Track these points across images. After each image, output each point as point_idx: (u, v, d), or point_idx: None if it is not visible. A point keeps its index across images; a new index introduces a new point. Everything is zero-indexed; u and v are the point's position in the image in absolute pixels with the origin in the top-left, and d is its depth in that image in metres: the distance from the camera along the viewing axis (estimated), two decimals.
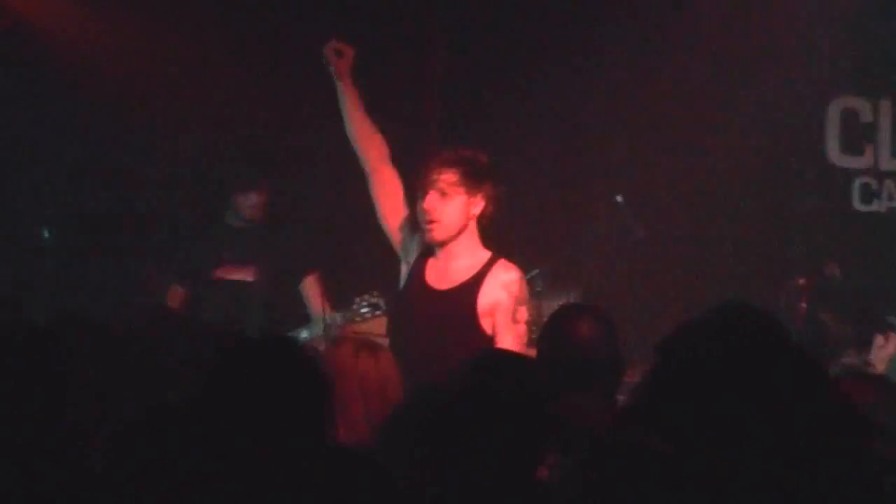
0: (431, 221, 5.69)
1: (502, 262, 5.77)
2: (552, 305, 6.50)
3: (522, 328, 5.72)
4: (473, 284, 5.74)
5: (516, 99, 8.90)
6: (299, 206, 8.31)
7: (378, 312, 6.20)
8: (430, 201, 5.68)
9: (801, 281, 7.68)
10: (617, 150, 8.91)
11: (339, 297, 6.97)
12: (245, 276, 7.31)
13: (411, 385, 4.41)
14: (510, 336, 5.63)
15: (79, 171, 8.18)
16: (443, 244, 5.77)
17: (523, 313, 5.75)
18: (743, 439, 2.71)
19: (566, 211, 8.63)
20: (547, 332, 4.73)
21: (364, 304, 6.28)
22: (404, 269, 6.00)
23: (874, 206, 8.60)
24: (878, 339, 6.47)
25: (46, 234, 7.30)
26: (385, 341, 5.66)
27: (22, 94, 8.08)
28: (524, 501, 3.02)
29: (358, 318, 6.20)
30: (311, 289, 7.36)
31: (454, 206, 5.71)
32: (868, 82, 8.56)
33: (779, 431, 2.68)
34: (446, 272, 5.82)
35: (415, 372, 4.72)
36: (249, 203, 7.41)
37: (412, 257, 5.94)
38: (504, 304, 5.68)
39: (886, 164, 8.59)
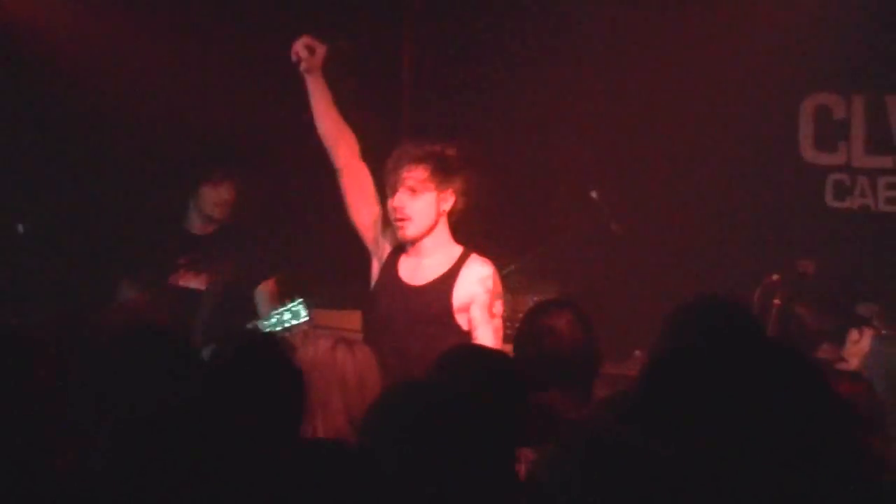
0: (402, 219, 5.72)
1: (475, 256, 5.81)
2: (527, 302, 6.57)
3: (499, 322, 5.74)
4: (448, 279, 5.77)
5: (489, 94, 8.91)
6: (262, 208, 8.20)
7: (302, 318, 6.11)
8: (400, 199, 5.71)
9: (775, 277, 7.71)
10: (592, 146, 8.87)
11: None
12: (198, 283, 7.20)
13: (385, 381, 4.38)
14: (488, 330, 5.66)
15: (51, 167, 8.09)
16: (414, 240, 5.79)
17: (500, 307, 5.78)
18: (732, 431, 2.68)
19: (541, 207, 8.67)
20: (524, 328, 4.80)
21: (286, 311, 6.17)
22: (376, 265, 6.01)
23: (847, 203, 8.60)
24: (853, 334, 6.50)
25: (21, 230, 7.24)
26: (357, 336, 5.66)
27: None
28: (501, 498, 2.99)
29: (280, 327, 6.12)
30: (262, 295, 7.22)
31: (424, 203, 5.74)
32: (841, 78, 8.56)
33: (764, 422, 2.66)
34: (419, 268, 5.85)
35: (389, 367, 4.72)
36: (219, 198, 7.25)
37: (384, 253, 5.95)
38: (480, 298, 5.71)
39: (859, 160, 8.58)
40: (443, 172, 5.74)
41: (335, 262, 8.23)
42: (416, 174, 5.70)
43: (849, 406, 2.94)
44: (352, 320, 6.66)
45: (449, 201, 5.79)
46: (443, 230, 5.83)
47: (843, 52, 8.40)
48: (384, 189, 5.83)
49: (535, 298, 6.49)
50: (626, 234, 7.70)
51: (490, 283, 5.74)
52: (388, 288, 5.91)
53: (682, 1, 8.59)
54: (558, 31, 8.96)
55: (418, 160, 5.73)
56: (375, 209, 5.95)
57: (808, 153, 8.70)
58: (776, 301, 7.61)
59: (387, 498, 2.80)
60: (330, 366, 4.27)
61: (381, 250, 5.97)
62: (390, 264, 5.92)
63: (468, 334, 5.68)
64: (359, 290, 6.51)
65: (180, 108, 8.20)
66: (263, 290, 7.23)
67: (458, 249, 5.83)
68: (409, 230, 5.73)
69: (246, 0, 8.78)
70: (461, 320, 5.72)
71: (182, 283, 7.15)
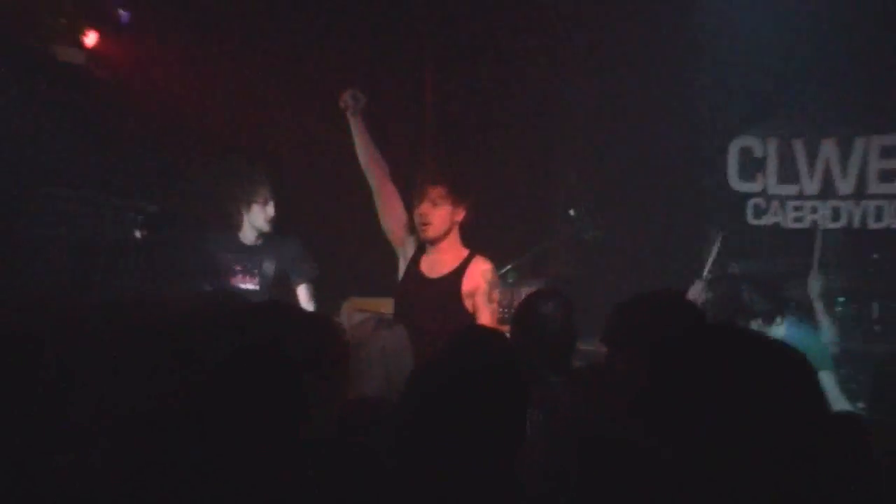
0: (425, 224, 5.71)
1: (479, 256, 5.78)
2: (521, 293, 6.52)
3: (495, 306, 5.73)
4: (458, 273, 5.74)
5: (492, 130, 8.89)
6: (299, 221, 8.02)
7: None
8: (425, 209, 5.70)
9: (709, 276, 7.55)
10: (574, 173, 8.84)
11: (332, 302, 6.87)
12: (252, 285, 7.00)
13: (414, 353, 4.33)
14: (487, 312, 5.66)
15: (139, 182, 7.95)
16: (433, 242, 5.76)
17: (496, 295, 5.75)
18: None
19: (534, 220, 8.61)
20: (519, 313, 4.73)
21: None
22: (402, 263, 5.98)
23: (763, 221, 8.54)
24: (778, 320, 6.51)
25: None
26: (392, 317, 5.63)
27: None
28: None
29: None
30: (300, 296, 6.99)
31: (443, 213, 5.72)
32: (760, 125, 8.52)
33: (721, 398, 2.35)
34: (436, 264, 5.81)
35: (414, 341, 4.70)
36: (267, 216, 7.01)
37: (409, 253, 5.92)
38: (482, 288, 5.68)
39: (772, 189, 8.52)
40: (458, 192, 5.73)
41: (372, 261, 8.24)
42: (437, 191, 5.69)
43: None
44: (387, 306, 6.64)
45: (461, 214, 5.77)
46: (455, 235, 5.81)
47: (761, 104, 8.40)
48: (411, 201, 5.79)
49: (527, 290, 6.39)
50: (597, 242, 7.68)
51: (489, 277, 5.72)
52: (411, 279, 5.89)
53: (644, 72, 8.52)
54: (545, 90, 8.97)
55: (439, 181, 5.73)
56: (402, 218, 5.90)
57: (734, 182, 8.64)
58: (709, 295, 7.50)
59: (423, 441, 2.73)
60: (373, 341, 4.21)
61: (406, 251, 5.94)
62: (413, 261, 5.89)
63: (472, 315, 5.66)
64: (390, 282, 6.56)
65: (238, 135, 8.13)
66: (301, 292, 7.04)
67: (465, 251, 5.81)
68: (430, 233, 5.72)
69: (294, 47, 8.58)
70: (468, 304, 5.69)
71: (239, 284, 6.97)
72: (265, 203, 7.00)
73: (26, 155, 7.48)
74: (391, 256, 6.21)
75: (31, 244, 7.50)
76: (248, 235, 7.06)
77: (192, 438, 2.70)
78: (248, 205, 7.01)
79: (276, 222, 7.07)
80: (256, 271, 6.86)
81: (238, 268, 6.88)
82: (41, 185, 7.63)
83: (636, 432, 2.46)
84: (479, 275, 5.73)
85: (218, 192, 7.22)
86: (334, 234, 8.55)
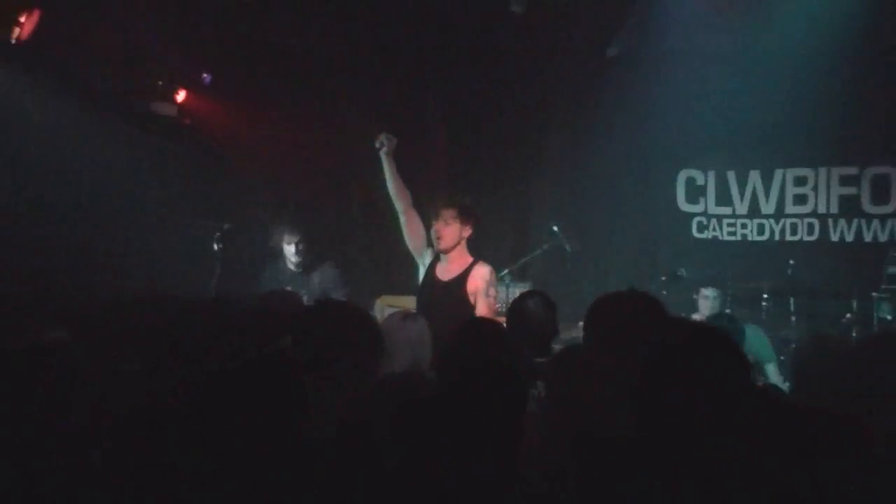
0: (440, 238, 5.74)
1: (480, 262, 5.78)
2: (514, 292, 6.52)
3: (492, 300, 5.70)
4: (464, 277, 5.74)
5: (491, 166, 8.90)
6: (344, 237, 8.05)
7: None
8: (439, 226, 5.74)
9: (663, 278, 7.81)
10: (555, 198, 8.85)
11: (367, 299, 6.90)
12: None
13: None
14: (484, 305, 5.64)
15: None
16: (445, 252, 5.78)
17: (493, 292, 5.74)
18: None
19: (525, 234, 8.67)
20: (512, 308, 4.75)
21: None
22: (421, 270, 5.98)
23: (705, 235, 8.56)
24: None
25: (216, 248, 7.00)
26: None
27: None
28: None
29: None
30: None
31: (453, 230, 5.75)
32: (702, 160, 8.55)
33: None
34: (447, 270, 5.82)
35: (432, 331, 4.66)
36: (290, 252, 6.98)
37: (427, 262, 5.93)
38: (482, 287, 5.68)
39: (711, 209, 8.55)
40: (464, 214, 5.76)
41: (399, 266, 8.27)
42: (448, 213, 5.74)
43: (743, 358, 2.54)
44: (412, 302, 6.59)
45: (468, 231, 5.78)
46: (462, 246, 5.81)
47: (702, 145, 8.45)
48: (429, 220, 5.82)
49: (519, 290, 6.45)
50: (575, 252, 7.57)
51: (488, 278, 5.71)
52: (428, 282, 5.87)
53: (608, 119, 8.54)
54: (531, 127, 8.94)
55: (450, 205, 5.77)
56: (421, 235, 5.90)
57: (682, 204, 8.67)
58: (664, 292, 7.63)
59: (451, 407, 2.58)
60: (400, 330, 4.12)
61: (424, 259, 5.95)
62: (430, 268, 5.88)
63: (473, 308, 5.66)
64: (414, 283, 6.57)
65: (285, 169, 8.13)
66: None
67: (470, 258, 5.80)
68: (443, 245, 5.74)
69: (325, 102, 8.47)
70: (471, 300, 5.68)
71: None
72: (293, 244, 6.98)
73: (131, 188, 7.53)
74: (413, 263, 6.23)
75: (146, 254, 7.60)
76: (291, 264, 7.06)
77: (192, 437, 2.32)
78: (283, 244, 7.04)
79: (305, 257, 6.98)
80: (303, 291, 6.77)
81: (289, 287, 6.75)
82: (146, 209, 7.68)
83: (613, 409, 2.46)
84: (479, 277, 5.70)
85: (267, 231, 7.23)
86: (369, 245, 8.59)
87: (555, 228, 7.57)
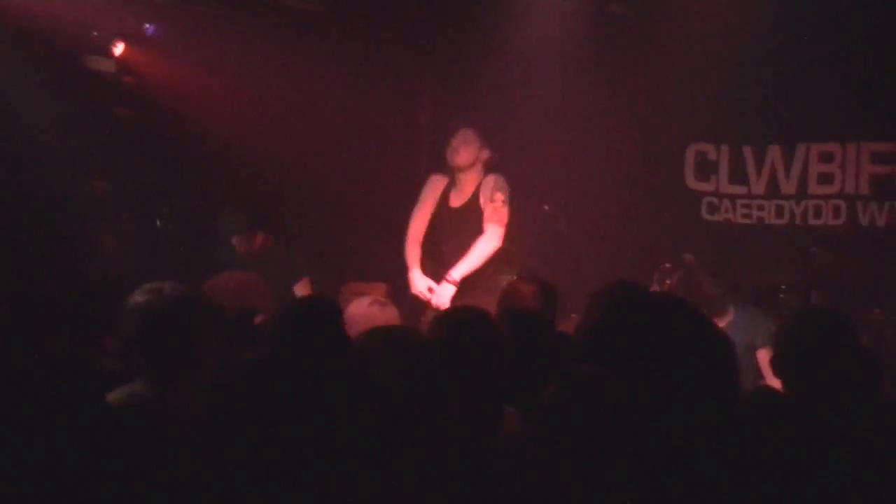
0: (456, 152, 6.21)
1: (491, 174, 6.37)
2: (508, 278, 6.43)
3: (499, 205, 6.21)
4: (476, 196, 6.20)
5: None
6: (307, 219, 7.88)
7: None
8: (457, 143, 6.30)
9: (668, 265, 7.51)
10: (548, 174, 8.63)
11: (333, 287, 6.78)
12: None
13: None
14: (492, 212, 6.15)
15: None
16: (461, 169, 6.29)
17: (501, 196, 6.22)
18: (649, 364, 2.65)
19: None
20: (505, 293, 4.73)
21: None
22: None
23: (716, 217, 8.41)
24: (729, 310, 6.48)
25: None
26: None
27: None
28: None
29: None
30: (303, 290, 6.63)
31: (471, 148, 6.25)
32: (714, 132, 8.41)
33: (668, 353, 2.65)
34: (461, 192, 6.31)
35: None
36: (243, 247, 6.70)
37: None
38: (487, 193, 6.21)
39: (724, 188, 8.40)
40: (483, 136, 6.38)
41: (367, 252, 8.07)
42: (468, 132, 6.31)
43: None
44: (380, 290, 6.49)
45: (485, 153, 6.27)
46: (478, 170, 6.32)
47: (715, 113, 8.27)
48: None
49: (504, 279, 6.32)
50: (569, 235, 7.53)
51: (492, 183, 6.19)
52: (438, 212, 6.34)
53: (609, 83, 8.40)
54: (526, 103, 8.78)
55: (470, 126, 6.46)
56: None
57: (691, 182, 8.51)
58: (667, 282, 7.36)
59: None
60: (367, 317, 4.18)
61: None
62: (443, 196, 6.36)
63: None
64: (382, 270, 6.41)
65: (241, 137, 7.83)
66: (301, 287, 6.67)
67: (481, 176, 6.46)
68: (459, 161, 6.22)
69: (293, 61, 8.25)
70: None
71: None
72: (247, 233, 6.71)
73: (61, 154, 7.27)
74: (383, 248, 6.16)
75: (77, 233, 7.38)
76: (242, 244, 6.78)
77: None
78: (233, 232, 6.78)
79: (256, 242, 6.73)
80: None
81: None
82: (75, 179, 7.43)
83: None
84: (486, 186, 6.07)
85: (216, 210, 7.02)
86: (336, 229, 8.41)
87: (546, 208, 7.56)
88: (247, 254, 6.71)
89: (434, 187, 6.37)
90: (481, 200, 6.03)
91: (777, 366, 3.62)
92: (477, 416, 2.96)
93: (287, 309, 3.74)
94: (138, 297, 3.13)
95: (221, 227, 6.84)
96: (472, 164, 6.08)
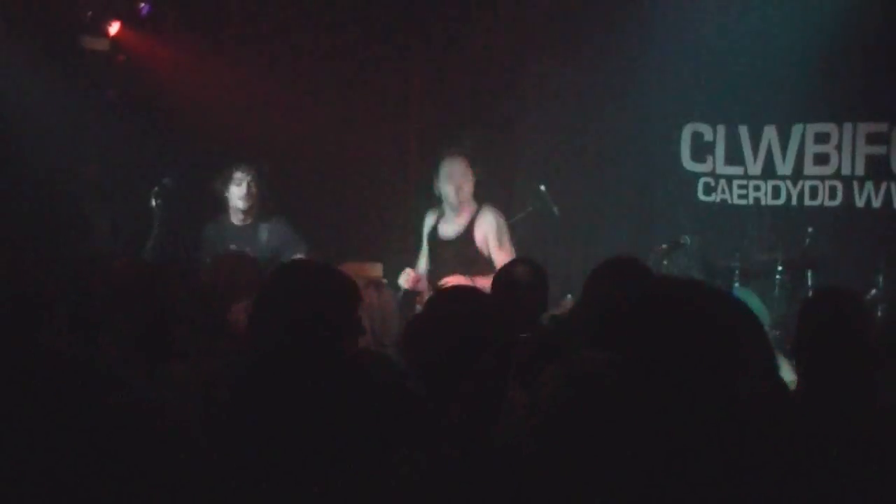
0: (461, 190, 6.20)
1: (486, 207, 6.35)
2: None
3: (508, 248, 6.24)
4: (470, 227, 6.18)
5: (469, 117, 8.73)
6: (303, 197, 7.86)
7: None
8: (460, 182, 6.27)
9: (664, 246, 7.62)
10: (542, 155, 8.71)
11: None
12: None
13: None
14: (502, 256, 6.09)
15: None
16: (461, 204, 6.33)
17: (507, 240, 6.29)
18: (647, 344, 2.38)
19: (509, 196, 8.44)
20: (499, 276, 4.65)
21: None
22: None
23: (712, 198, 8.41)
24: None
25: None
26: (384, 281, 5.52)
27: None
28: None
29: None
30: None
31: (469, 180, 6.24)
32: (710, 112, 8.39)
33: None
34: (455, 223, 6.25)
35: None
36: (240, 195, 6.69)
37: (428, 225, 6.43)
38: (492, 237, 6.23)
39: (720, 169, 8.40)
40: (470, 159, 6.26)
41: (364, 230, 8.08)
42: (462, 164, 6.25)
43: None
44: (377, 270, 6.49)
45: (476, 173, 6.27)
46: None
47: (712, 92, 8.27)
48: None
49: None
50: (564, 215, 7.48)
51: (496, 227, 6.14)
52: (432, 246, 6.30)
53: (603, 63, 8.42)
54: (516, 83, 8.83)
55: (459, 155, 6.29)
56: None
57: (686, 163, 8.51)
58: (664, 262, 7.49)
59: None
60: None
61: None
62: (433, 231, 6.30)
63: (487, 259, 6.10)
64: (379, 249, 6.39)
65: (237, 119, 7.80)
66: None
67: (475, 206, 6.22)
68: (464, 197, 6.19)
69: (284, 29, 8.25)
70: (483, 252, 6.08)
71: None
72: (244, 184, 6.70)
73: (55, 133, 7.28)
74: (380, 227, 6.15)
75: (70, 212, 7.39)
76: (237, 216, 6.79)
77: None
78: (227, 187, 6.75)
79: (257, 200, 6.74)
80: (249, 249, 6.44)
81: (233, 247, 6.50)
82: (69, 159, 7.46)
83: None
84: (486, 225, 6.03)
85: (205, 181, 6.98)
86: (332, 207, 8.40)
87: (542, 188, 7.48)
88: (241, 226, 6.74)
89: (426, 224, 6.29)
90: (480, 237, 5.94)
91: (797, 346, 3.56)
92: (476, 411, 2.93)
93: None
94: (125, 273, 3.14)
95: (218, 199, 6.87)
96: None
